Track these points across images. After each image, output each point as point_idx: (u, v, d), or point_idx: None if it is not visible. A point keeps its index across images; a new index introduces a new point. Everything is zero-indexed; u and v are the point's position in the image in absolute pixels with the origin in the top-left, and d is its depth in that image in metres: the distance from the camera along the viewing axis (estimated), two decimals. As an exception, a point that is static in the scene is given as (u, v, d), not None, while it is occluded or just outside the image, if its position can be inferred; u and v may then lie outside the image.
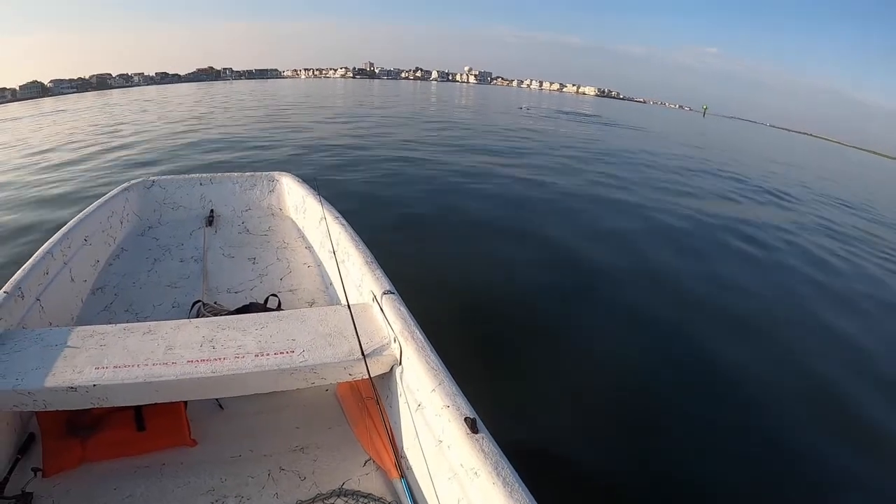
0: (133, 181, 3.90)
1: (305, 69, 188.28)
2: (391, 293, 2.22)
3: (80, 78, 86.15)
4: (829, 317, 5.26)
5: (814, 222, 10.04)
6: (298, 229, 3.89)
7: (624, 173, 12.11)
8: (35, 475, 1.76)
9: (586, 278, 5.42)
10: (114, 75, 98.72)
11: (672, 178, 12.45)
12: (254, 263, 3.35)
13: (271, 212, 4.12)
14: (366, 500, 1.79)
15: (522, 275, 5.38)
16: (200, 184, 4.05)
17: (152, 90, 53.34)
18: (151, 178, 4.01)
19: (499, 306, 4.54)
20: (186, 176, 4.12)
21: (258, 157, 10.73)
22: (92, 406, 1.69)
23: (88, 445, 1.86)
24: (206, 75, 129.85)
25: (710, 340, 4.37)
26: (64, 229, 2.88)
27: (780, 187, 13.96)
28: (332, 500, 1.78)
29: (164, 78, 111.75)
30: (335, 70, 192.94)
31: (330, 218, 3.19)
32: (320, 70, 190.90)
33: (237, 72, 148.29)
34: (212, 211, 3.96)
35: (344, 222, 3.13)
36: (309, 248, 3.61)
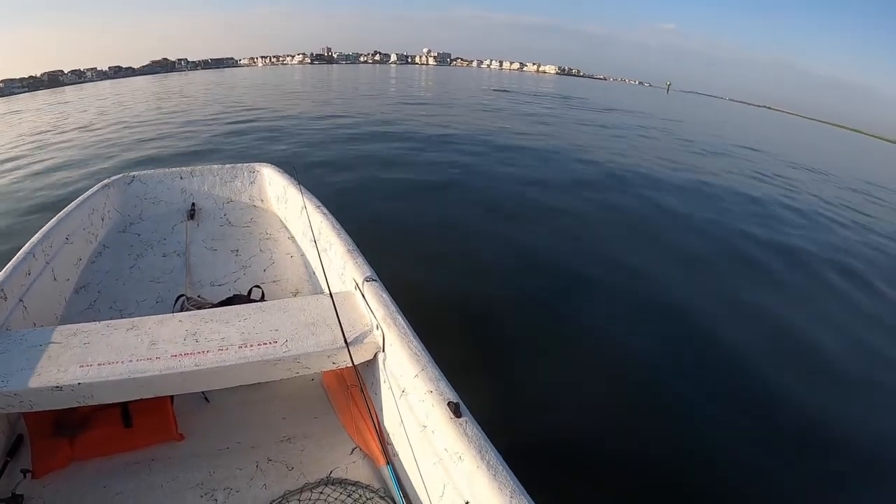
0: (113, 177, 3.86)
1: (262, 57, 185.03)
2: (373, 280, 2.24)
3: (31, 77, 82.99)
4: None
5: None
6: (280, 220, 3.89)
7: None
8: (25, 476, 1.77)
9: (571, 263, 5.49)
10: (66, 72, 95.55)
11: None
12: (236, 255, 3.35)
13: (253, 203, 4.10)
14: (353, 488, 1.82)
15: (505, 257, 5.43)
16: (181, 177, 4.02)
17: (106, 85, 51.58)
18: (131, 173, 3.96)
19: (481, 289, 4.58)
20: (167, 170, 4.08)
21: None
22: (78, 404, 1.70)
23: (77, 444, 1.86)
24: (161, 67, 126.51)
25: (690, 312, 4.54)
26: (45, 228, 2.84)
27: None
28: (319, 489, 1.81)
29: (117, 72, 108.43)
30: (293, 57, 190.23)
31: (311, 207, 3.19)
32: (277, 57, 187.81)
33: (193, 62, 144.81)
34: (193, 204, 3.93)
35: (325, 211, 3.13)
36: (291, 238, 3.61)
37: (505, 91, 37.20)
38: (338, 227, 2.89)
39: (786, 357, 4.13)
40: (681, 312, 4.57)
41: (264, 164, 4.23)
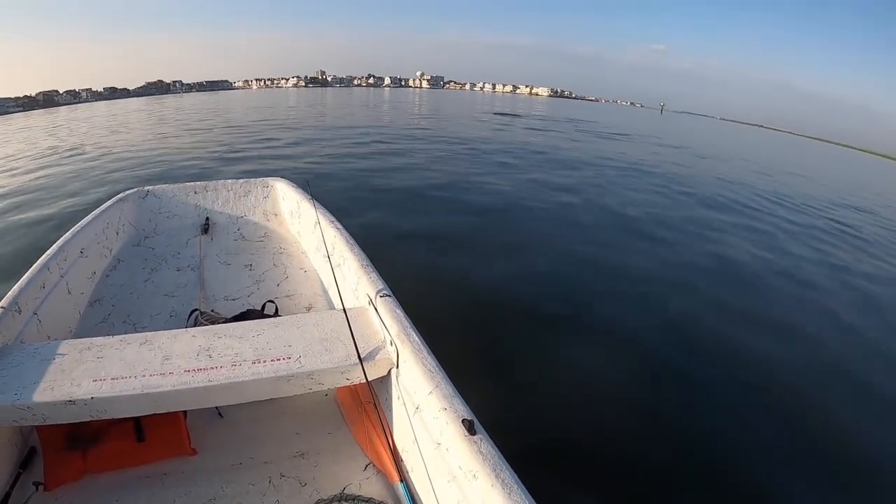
0: (128, 191, 3.90)
1: (257, 79, 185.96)
2: (387, 296, 2.23)
3: (25, 96, 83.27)
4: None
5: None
6: (294, 234, 3.91)
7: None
8: (37, 489, 1.76)
9: (587, 279, 5.50)
10: (61, 92, 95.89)
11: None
12: (250, 270, 3.36)
13: (266, 218, 4.12)
14: None
15: (521, 274, 5.42)
16: (195, 192, 4.05)
17: (101, 106, 51.66)
18: (146, 187, 4.00)
19: (495, 306, 4.56)
20: (181, 184, 4.11)
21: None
22: (91, 419, 1.69)
23: (89, 458, 1.86)
24: (156, 89, 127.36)
25: (717, 334, 4.50)
26: (59, 242, 2.86)
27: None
28: None
29: (112, 93, 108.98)
30: (287, 79, 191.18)
31: (324, 222, 3.20)
32: (272, 80, 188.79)
33: (187, 84, 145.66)
34: (207, 219, 3.95)
35: (339, 226, 3.13)
36: (304, 253, 3.62)
37: (515, 115, 37.14)
38: (351, 241, 2.89)
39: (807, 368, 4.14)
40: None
41: (278, 178, 4.26)
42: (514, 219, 7.59)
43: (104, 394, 1.65)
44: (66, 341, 1.96)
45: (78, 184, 8.99)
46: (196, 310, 2.71)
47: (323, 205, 3.48)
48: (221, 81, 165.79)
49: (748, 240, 7.78)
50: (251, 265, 3.42)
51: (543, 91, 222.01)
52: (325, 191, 7.74)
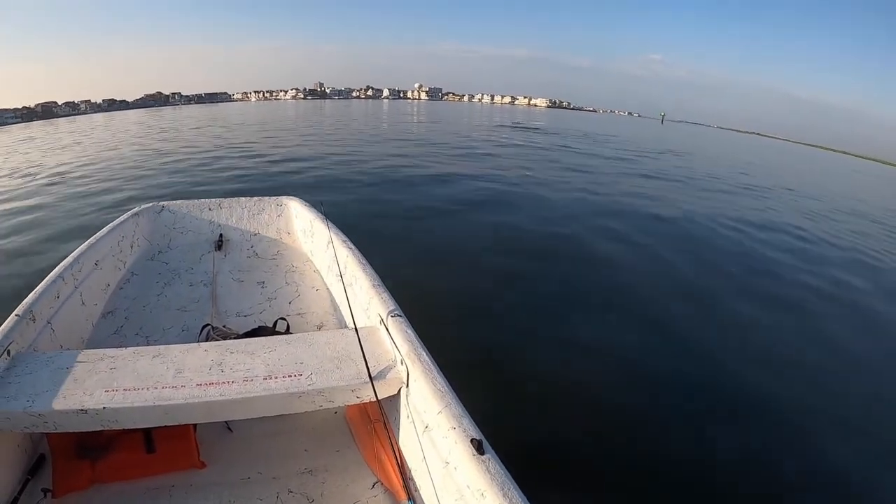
0: (143, 206, 3.95)
1: (256, 91, 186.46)
2: (398, 316, 2.24)
3: (24, 107, 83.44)
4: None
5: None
6: (306, 253, 3.93)
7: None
8: (45, 496, 1.77)
9: (599, 297, 5.51)
10: (60, 103, 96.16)
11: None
12: (262, 287, 3.38)
13: (279, 236, 4.15)
14: None
15: (530, 293, 5.42)
16: (210, 208, 4.09)
17: (99, 118, 51.74)
18: (161, 202, 4.05)
19: (506, 326, 4.59)
20: (196, 201, 4.15)
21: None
22: (102, 428, 1.70)
23: (98, 467, 1.87)
24: (155, 101, 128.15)
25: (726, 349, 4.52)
26: (75, 253, 2.90)
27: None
28: None
29: (111, 105, 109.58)
30: (286, 92, 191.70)
31: (337, 242, 3.23)
32: (271, 92, 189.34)
33: (186, 96, 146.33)
34: (221, 235, 4.00)
35: (351, 246, 3.15)
36: (317, 271, 3.64)
37: (534, 129, 36.84)
38: (363, 261, 2.91)
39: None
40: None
41: (291, 197, 4.30)
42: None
43: (116, 404, 1.67)
44: (80, 351, 1.98)
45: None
46: (208, 325, 2.73)
47: (336, 224, 3.52)
48: (220, 94, 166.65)
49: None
50: (264, 282, 3.44)
51: (542, 102, 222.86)
52: (339, 211, 7.74)
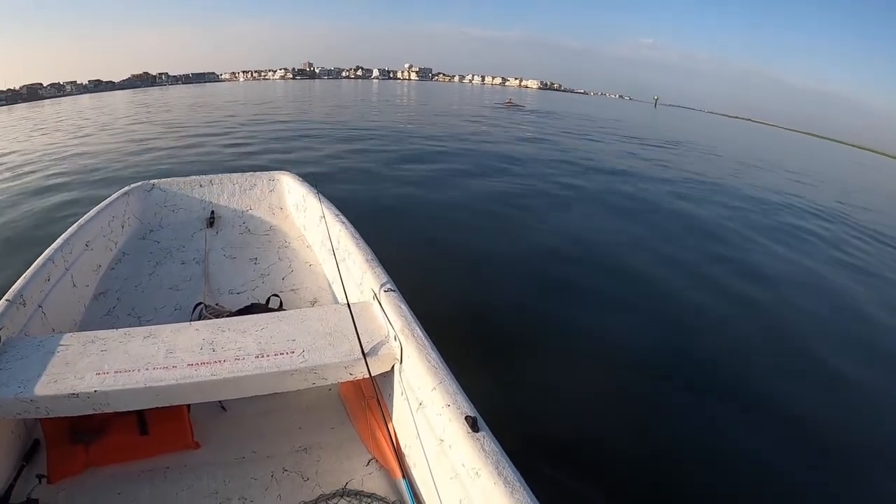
0: (133, 185, 3.89)
1: (244, 71, 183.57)
2: (391, 291, 2.23)
3: (9, 89, 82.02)
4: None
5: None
6: (299, 228, 3.90)
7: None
8: (40, 482, 1.76)
9: (593, 273, 5.51)
10: (45, 85, 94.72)
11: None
12: (255, 264, 3.36)
13: (272, 211, 4.12)
14: (368, 500, 1.80)
15: (526, 270, 5.44)
16: (201, 185, 4.04)
17: (85, 99, 50.93)
18: (151, 181, 3.99)
19: (500, 303, 4.58)
20: (187, 178, 4.10)
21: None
22: (94, 412, 1.69)
23: (92, 451, 1.86)
24: (142, 81, 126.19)
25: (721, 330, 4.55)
26: (65, 235, 2.87)
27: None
28: (334, 501, 1.79)
29: (97, 86, 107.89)
30: (274, 71, 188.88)
31: (330, 216, 3.19)
32: (259, 72, 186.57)
33: (174, 76, 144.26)
34: (212, 212, 3.96)
35: (344, 220, 3.13)
36: (310, 246, 3.61)
37: (528, 110, 36.14)
38: (356, 236, 2.89)
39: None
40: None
41: (283, 172, 4.25)
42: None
43: (107, 387, 1.65)
44: (70, 334, 1.96)
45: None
46: (201, 303, 2.71)
47: (328, 199, 3.48)
48: (208, 73, 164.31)
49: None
50: (256, 259, 3.42)
51: (533, 83, 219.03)
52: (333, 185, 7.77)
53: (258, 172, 4.24)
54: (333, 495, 1.82)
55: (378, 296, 2.25)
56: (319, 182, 3.76)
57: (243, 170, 4.44)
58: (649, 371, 3.81)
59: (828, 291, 6.14)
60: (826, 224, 10.05)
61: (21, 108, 40.44)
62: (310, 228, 3.72)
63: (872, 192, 20.88)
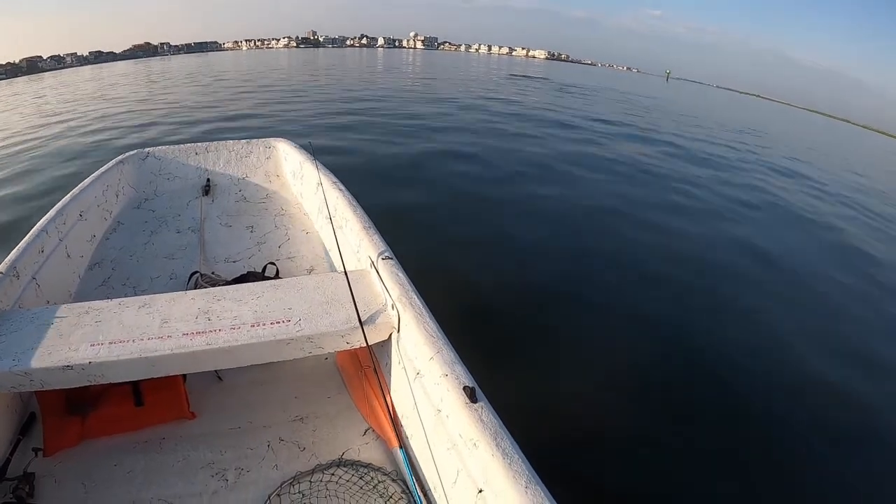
0: (128, 153, 3.85)
1: (247, 40, 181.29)
2: (389, 258, 2.20)
3: (8, 63, 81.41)
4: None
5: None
6: (296, 196, 3.86)
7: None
8: (36, 455, 1.76)
9: (592, 249, 5.47)
10: (45, 57, 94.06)
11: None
12: (251, 232, 3.33)
13: (268, 179, 4.07)
14: (365, 470, 1.80)
15: (526, 242, 5.40)
16: (196, 153, 3.99)
17: (87, 70, 50.43)
18: (146, 149, 3.95)
19: (500, 273, 4.57)
20: (182, 146, 4.06)
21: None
22: (89, 384, 1.68)
23: (88, 423, 1.86)
24: (143, 52, 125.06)
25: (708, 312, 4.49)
26: (58, 205, 2.84)
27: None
28: (331, 471, 1.79)
29: (98, 57, 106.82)
30: (278, 40, 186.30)
31: (327, 183, 3.16)
32: (262, 41, 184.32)
33: (175, 46, 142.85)
34: (208, 180, 3.91)
35: (342, 188, 3.10)
36: (307, 214, 3.58)
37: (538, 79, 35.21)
38: (354, 203, 2.85)
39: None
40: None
41: (280, 139, 4.19)
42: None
43: (101, 358, 1.64)
44: (65, 305, 1.94)
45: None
46: (196, 272, 2.69)
47: (325, 165, 3.44)
48: (210, 43, 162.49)
49: None
50: (252, 227, 3.38)
51: (540, 53, 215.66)
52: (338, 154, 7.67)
53: (254, 140, 4.18)
54: (330, 465, 1.82)
55: (376, 263, 2.22)
56: (316, 148, 3.72)
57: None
58: (652, 345, 3.80)
59: None
60: None
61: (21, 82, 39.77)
62: (307, 196, 3.68)
63: None
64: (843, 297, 5.25)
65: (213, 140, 4.20)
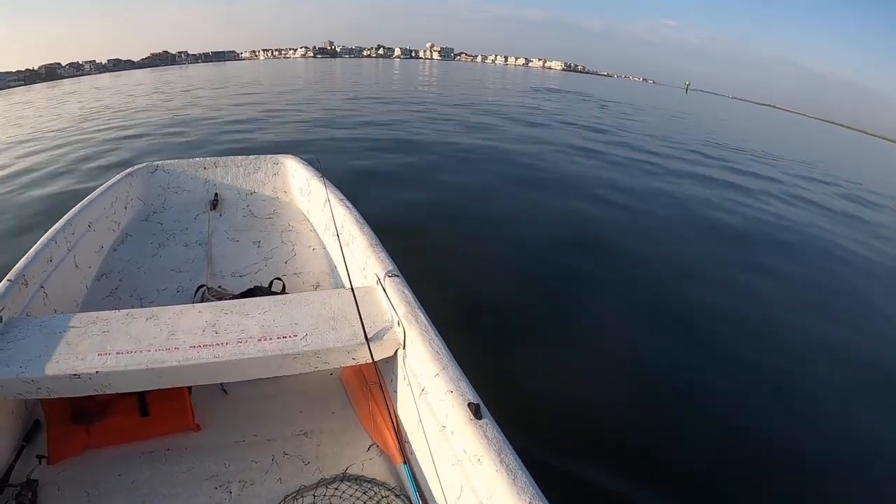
0: (137, 166, 3.89)
1: (264, 50, 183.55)
2: (395, 276, 2.21)
3: (27, 70, 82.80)
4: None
5: None
6: (303, 212, 3.88)
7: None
8: (40, 462, 1.77)
9: (600, 262, 5.38)
10: (64, 65, 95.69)
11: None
12: (258, 247, 3.35)
13: (276, 195, 4.10)
14: (369, 486, 1.79)
15: (531, 257, 5.35)
16: (205, 167, 4.03)
17: (105, 78, 51.15)
18: (155, 162, 3.98)
19: (505, 289, 4.52)
20: (190, 160, 4.09)
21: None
22: (95, 393, 1.69)
23: (93, 432, 1.86)
24: (161, 60, 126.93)
25: (722, 323, 4.42)
26: (67, 216, 2.86)
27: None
28: (335, 486, 1.78)
29: (116, 65, 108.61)
30: (295, 50, 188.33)
31: (334, 200, 3.18)
32: (280, 50, 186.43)
33: (193, 55, 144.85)
34: (216, 194, 3.94)
35: (349, 205, 3.11)
36: (314, 230, 3.60)
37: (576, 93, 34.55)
38: (361, 220, 2.87)
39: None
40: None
41: (288, 155, 4.22)
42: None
43: (108, 368, 1.65)
44: (72, 315, 1.96)
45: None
46: (203, 285, 2.71)
47: (333, 182, 3.46)
48: (228, 52, 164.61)
49: None
50: (259, 242, 3.40)
51: (557, 65, 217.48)
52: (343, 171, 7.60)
53: (262, 155, 4.21)
54: (334, 480, 1.82)
55: (382, 281, 2.23)
56: (324, 165, 3.76)
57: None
58: (658, 363, 3.75)
59: None
60: None
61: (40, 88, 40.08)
62: (314, 212, 3.71)
63: None
64: None
65: (221, 155, 4.24)
